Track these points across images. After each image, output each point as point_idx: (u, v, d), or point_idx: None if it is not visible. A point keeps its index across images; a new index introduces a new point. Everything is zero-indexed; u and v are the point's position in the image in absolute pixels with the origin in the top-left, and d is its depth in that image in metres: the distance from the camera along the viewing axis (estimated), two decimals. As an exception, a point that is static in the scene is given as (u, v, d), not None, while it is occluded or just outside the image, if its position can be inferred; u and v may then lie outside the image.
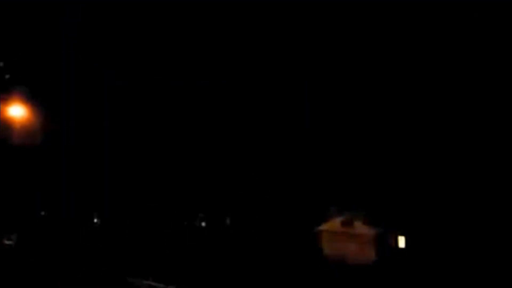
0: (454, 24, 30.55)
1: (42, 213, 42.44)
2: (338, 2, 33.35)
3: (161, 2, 37.93)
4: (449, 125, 30.34)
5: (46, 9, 37.76)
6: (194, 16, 37.70)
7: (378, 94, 32.51)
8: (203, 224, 39.24)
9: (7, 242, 37.79)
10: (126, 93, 39.17)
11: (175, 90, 38.68)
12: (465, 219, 29.02)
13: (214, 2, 36.72)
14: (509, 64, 29.11)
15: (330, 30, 34.14)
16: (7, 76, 34.67)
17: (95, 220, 42.03)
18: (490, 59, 29.66)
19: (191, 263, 29.74)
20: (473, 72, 30.08)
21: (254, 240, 34.57)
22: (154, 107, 39.22)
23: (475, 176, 29.42)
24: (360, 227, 31.25)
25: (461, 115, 29.90)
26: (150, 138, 39.76)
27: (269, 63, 36.11)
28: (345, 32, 33.72)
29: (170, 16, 38.19)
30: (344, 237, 31.30)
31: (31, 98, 32.01)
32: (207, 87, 37.79)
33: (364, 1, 32.91)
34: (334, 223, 32.39)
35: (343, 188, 32.69)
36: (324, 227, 32.78)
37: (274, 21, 35.44)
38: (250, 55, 36.67)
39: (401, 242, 31.50)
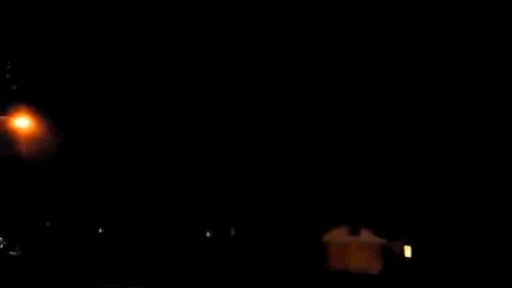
0: (454, 25, 30.62)
1: (47, 223, 42.42)
2: (338, 2, 33.49)
3: (160, 2, 38.08)
4: (455, 136, 30.34)
5: (49, 18, 37.96)
6: (194, 16, 37.81)
7: (382, 104, 32.53)
8: (208, 234, 39.21)
9: (11, 252, 37.79)
10: (127, 99, 39.16)
11: (175, 91, 38.61)
12: (472, 228, 28.92)
13: (214, 2, 36.88)
14: (509, 65, 29.13)
15: (330, 31, 34.23)
16: (13, 88, 34.94)
17: (100, 231, 41.98)
18: (490, 60, 29.69)
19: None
20: (476, 78, 30.12)
21: (259, 251, 34.49)
22: (155, 114, 39.21)
23: (480, 184, 29.37)
24: (366, 237, 31.16)
25: (466, 127, 29.89)
26: (154, 147, 39.76)
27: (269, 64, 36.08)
28: (345, 34, 33.80)
29: (170, 16, 38.31)
30: (350, 246, 31.18)
31: (37, 110, 32.12)
32: (207, 87, 37.74)
33: (364, 2, 33.06)
34: (340, 233, 32.28)
35: (349, 198, 32.62)
36: (330, 236, 32.68)
37: (274, 22, 35.55)
38: (250, 55, 36.69)
39: (408, 251, 31.41)
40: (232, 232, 38.04)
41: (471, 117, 29.86)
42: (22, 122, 29.60)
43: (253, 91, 36.62)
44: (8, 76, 35.15)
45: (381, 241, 30.68)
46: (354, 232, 31.50)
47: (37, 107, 32.87)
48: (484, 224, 28.74)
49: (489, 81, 29.52)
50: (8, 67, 35.38)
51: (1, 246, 38.23)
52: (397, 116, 31.97)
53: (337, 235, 32.30)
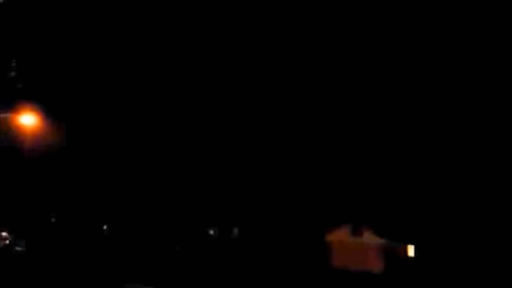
0: (454, 25, 30.40)
1: (53, 219, 42.69)
2: (338, 2, 33.35)
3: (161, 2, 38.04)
4: (457, 135, 30.19)
5: (51, 18, 38.12)
6: (194, 16, 37.72)
7: (384, 104, 32.38)
8: (212, 232, 39.25)
9: (17, 248, 38.06)
10: (127, 99, 39.28)
11: (175, 91, 38.58)
12: (475, 228, 28.83)
13: (214, 2, 36.79)
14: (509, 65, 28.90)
15: (329, 31, 34.07)
16: (19, 86, 35.14)
17: (104, 227, 42.17)
18: (490, 59, 29.47)
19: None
20: (474, 77, 29.91)
21: (262, 250, 34.55)
22: (155, 113, 39.27)
23: (482, 183, 29.24)
24: (369, 237, 31.17)
25: (468, 127, 29.71)
26: (156, 145, 39.82)
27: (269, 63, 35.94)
28: (345, 33, 33.64)
29: (170, 16, 38.26)
30: (353, 247, 31.20)
31: (43, 107, 32.35)
32: (207, 87, 37.70)
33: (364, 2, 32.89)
34: (343, 233, 32.32)
35: (352, 198, 32.58)
36: (333, 236, 32.71)
37: (274, 21, 35.42)
38: (250, 55, 36.57)
39: (411, 251, 31.37)
40: (235, 231, 38.10)
41: (473, 117, 29.67)
42: (28, 119, 29.82)
43: (253, 91, 36.56)
44: (13, 74, 35.37)
45: (383, 241, 30.68)
46: (357, 232, 31.53)
47: (42, 104, 33.11)
48: (486, 224, 28.65)
49: (489, 82, 29.32)
50: (13, 65, 35.61)
51: (7, 242, 38.53)
52: (400, 117, 31.83)
53: (340, 235, 32.35)
